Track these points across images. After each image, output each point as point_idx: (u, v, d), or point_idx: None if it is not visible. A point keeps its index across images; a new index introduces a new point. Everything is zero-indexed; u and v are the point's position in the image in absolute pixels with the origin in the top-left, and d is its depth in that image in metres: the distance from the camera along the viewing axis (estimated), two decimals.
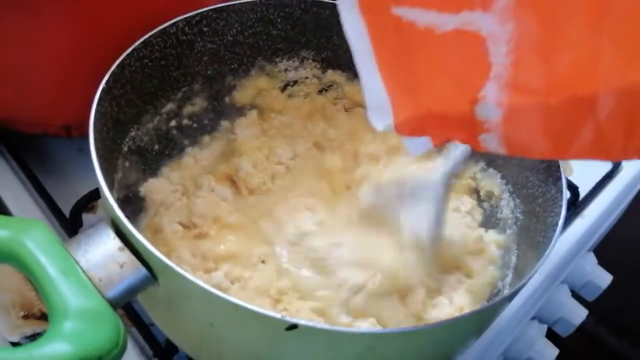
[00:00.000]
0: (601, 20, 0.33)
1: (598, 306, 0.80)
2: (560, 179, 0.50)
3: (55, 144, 0.72)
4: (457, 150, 0.54)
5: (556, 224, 0.47)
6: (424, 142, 0.46)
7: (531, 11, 0.35)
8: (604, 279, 0.77)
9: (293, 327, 0.37)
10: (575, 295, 0.76)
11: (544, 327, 0.72)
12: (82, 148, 0.72)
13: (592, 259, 0.78)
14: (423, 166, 0.58)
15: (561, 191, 0.49)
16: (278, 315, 0.36)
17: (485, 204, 0.62)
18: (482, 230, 0.59)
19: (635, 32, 0.32)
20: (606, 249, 0.82)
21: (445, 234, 0.55)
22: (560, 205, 0.48)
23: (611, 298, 0.81)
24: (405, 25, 0.40)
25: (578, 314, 0.74)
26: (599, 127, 0.35)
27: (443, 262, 0.56)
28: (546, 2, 0.35)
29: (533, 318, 0.70)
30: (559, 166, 0.51)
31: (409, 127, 0.45)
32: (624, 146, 0.35)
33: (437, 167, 0.55)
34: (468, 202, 0.62)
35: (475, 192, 0.63)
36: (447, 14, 0.38)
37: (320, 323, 0.38)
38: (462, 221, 0.59)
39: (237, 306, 0.36)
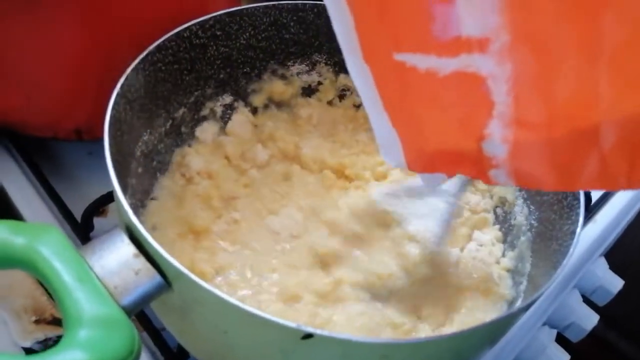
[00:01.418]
0: (596, 53, 0.33)
1: (609, 311, 0.80)
2: None
3: (65, 148, 0.72)
4: None
5: (574, 232, 0.46)
6: (438, 176, 0.47)
7: (527, 50, 0.35)
8: (615, 283, 0.77)
9: (308, 336, 0.36)
10: (586, 300, 0.75)
11: (554, 332, 0.72)
12: (92, 151, 0.72)
13: (603, 263, 0.77)
14: None
15: (578, 198, 0.48)
16: (294, 325, 0.36)
17: (499, 210, 0.62)
18: (495, 267, 0.57)
19: (631, 63, 0.32)
20: (617, 254, 0.82)
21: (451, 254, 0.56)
22: (578, 213, 0.47)
23: (622, 303, 0.80)
24: (408, 69, 0.41)
25: (589, 319, 0.73)
26: (604, 159, 0.35)
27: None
28: (540, 40, 0.35)
29: (544, 324, 0.70)
30: None
31: (420, 164, 0.46)
32: (629, 176, 0.35)
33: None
34: (490, 234, 0.60)
35: (499, 221, 0.62)
36: (447, 58, 0.39)
37: (335, 332, 0.38)
38: (477, 254, 0.58)
39: (252, 314, 0.36)
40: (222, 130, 0.66)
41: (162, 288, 0.40)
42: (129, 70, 0.50)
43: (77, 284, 0.36)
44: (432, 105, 0.42)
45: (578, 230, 0.46)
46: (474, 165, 0.42)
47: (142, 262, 0.40)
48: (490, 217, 0.62)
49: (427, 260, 0.55)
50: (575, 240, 0.45)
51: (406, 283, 0.54)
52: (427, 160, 0.45)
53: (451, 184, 0.58)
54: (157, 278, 0.39)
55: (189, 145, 0.63)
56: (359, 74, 0.45)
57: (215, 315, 0.40)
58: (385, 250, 0.56)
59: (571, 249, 0.45)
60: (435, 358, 0.43)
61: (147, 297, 0.39)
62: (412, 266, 0.54)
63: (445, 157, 0.44)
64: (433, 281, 0.55)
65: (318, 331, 0.36)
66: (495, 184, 0.42)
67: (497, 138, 0.39)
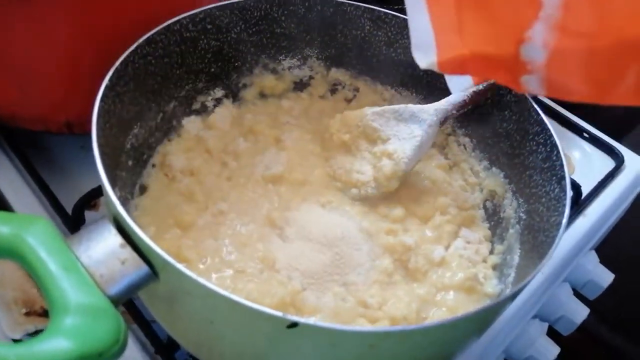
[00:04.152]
0: None
1: (600, 304, 0.80)
2: (564, 178, 0.50)
3: (57, 141, 0.72)
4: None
5: (560, 223, 0.47)
6: (465, 81, 0.48)
7: None
8: (606, 277, 0.77)
9: (294, 325, 0.37)
10: (577, 293, 0.76)
11: (545, 326, 0.72)
12: (84, 145, 0.72)
13: (593, 257, 0.78)
14: None
15: (565, 190, 0.49)
16: (279, 314, 0.36)
17: (488, 204, 0.62)
18: (481, 265, 0.58)
19: None
20: (608, 248, 0.82)
21: None
22: (564, 205, 0.48)
23: (613, 296, 0.81)
24: None
25: (579, 312, 0.74)
26: None
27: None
28: None
29: (534, 317, 0.70)
30: (563, 165, 0.51)
31: (451, 65, 0.46)
32: None
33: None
34: (478, 232, 0.61)
35: (488, 214, 0.62)
36: None
37: (320, 321, 0.38)
38: (464, 253, 0.58)
39: (236, 304, 0.36)
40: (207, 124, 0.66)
41: (149, 278, 0.40)
42: (117, 63, 0.50)
43: (62, 273, 0.36)
44: (479, 2, 0.42)
45: (564, 221, 0.46)
46: (507, 70, 0.42)
47: (128, 252, 0.40)
48: (479, 214, 0.62)
49: (397, 176, 0.60)
50: (561, 231, 0.46)
51: (375, 193, 0.61)
52: (460, 63, 0.45)
53: (431, 117, 0.61)
54: (144, 268, 0.40)
55: (169, 140, 0.62)
56: None
57: (202, 304, 0.40)
58: (365, 160, 0.63)
59: (557, 240, 0.45)
60: (423, 347, 0.43)
61: (134, 287, 0.40)
62: (384, 179, 0.60)
63: (479, 60, 0.44)
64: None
65: (302, 320, 0.36)
66: (525, 92, 0.42)
67: (538, 42, 0.39)
